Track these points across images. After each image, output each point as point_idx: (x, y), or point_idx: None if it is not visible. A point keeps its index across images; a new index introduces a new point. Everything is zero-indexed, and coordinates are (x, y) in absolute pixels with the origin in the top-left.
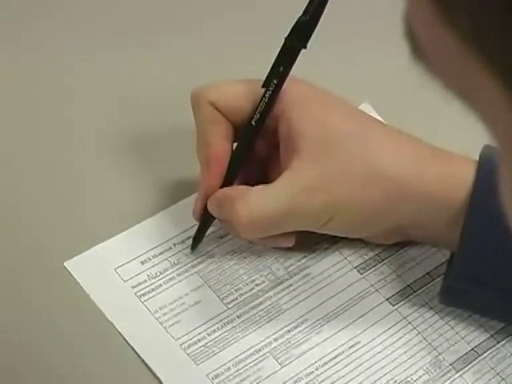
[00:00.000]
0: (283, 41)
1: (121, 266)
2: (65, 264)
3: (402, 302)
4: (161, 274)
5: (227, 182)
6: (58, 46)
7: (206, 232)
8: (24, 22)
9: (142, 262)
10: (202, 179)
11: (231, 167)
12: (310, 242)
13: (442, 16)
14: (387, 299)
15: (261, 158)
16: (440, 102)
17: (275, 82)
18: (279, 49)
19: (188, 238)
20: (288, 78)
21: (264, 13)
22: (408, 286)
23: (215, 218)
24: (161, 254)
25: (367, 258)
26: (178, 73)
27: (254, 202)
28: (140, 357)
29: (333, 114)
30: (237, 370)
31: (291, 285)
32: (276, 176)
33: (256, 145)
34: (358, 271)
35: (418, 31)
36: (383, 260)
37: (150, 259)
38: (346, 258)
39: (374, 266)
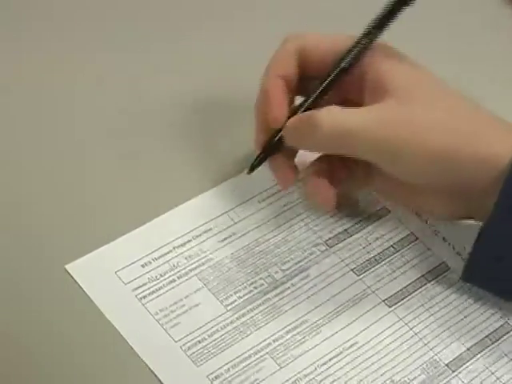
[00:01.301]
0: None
1: (121, 269)
2: (66, 267)
3: (398, 304)
4: (161, 276)
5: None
6: (66, 44)
7: (265, 160)
8: (24, 21)
9: (143, 265)
10: (265, 112)
11: (312, 99)
12: (307, 245)
13: None
14: (384, 301)
15: None
16: None
17: (374, 31)
18: None
19: (188, 242)
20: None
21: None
22: (404, 287)
23: (278, 149)
24: (161, 256)
25: (364, 260)
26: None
27: (338, 113)
28: (141, 358)
29: (422, 70)
30: (236, 371)
31: (289, 287)
32: None
33: (331, 99)
34: (355, 273)
35: None
36: (380, 262)
37: (150, 262)
38: (343, 260)
39: (371, 268)
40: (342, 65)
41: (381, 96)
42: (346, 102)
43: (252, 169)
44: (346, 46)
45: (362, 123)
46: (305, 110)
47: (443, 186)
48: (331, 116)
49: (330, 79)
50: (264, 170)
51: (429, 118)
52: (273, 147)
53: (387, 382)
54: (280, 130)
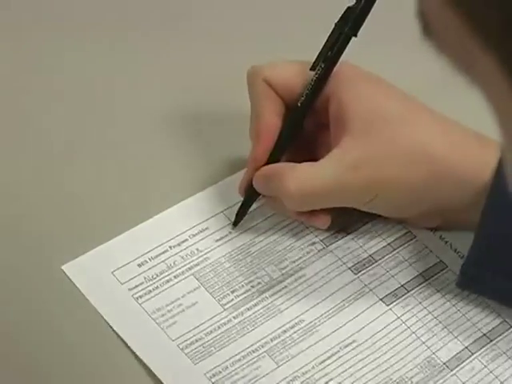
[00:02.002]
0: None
1: (118, 269)
2: (62, 267)
3: (395, 302)
4: (157, 276)
5: (273, 159)
6: (67, 46)
7: (249, 208)
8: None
9: (139, 265)
10: (251, 154)
11: (278, 145)
12: (304, 243)
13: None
14: (381, 299)
15: (309, 137)
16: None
17: (323, 65)
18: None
19: (184, 241)
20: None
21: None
22: (401, 286)
23: (259, 195)
24: (157, 256)
25: (361, 258)
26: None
27: (304, 176)
28: (139, 357)
29: (381, 94)
30: (234, 369)
31: (286, 286)
32: (324, 155)
33: (305, 124)
34: (353, 272)
35: (427, 11)
36: (377, 261)
37: (146, 262)
38: (340, 258)
39: (368, 266)
40: (298, 104)
41: (341, 130)
42: (321, 127)
43: (235, 223)
44: (307, 75)
45: (328, 180)
46: (279, 149)
47: (423, 209)
48: (297, 179)
49: (290, 121)
50: None
51: (388, 151)
52: (253, 193)
53: (384, 380)
54: None
